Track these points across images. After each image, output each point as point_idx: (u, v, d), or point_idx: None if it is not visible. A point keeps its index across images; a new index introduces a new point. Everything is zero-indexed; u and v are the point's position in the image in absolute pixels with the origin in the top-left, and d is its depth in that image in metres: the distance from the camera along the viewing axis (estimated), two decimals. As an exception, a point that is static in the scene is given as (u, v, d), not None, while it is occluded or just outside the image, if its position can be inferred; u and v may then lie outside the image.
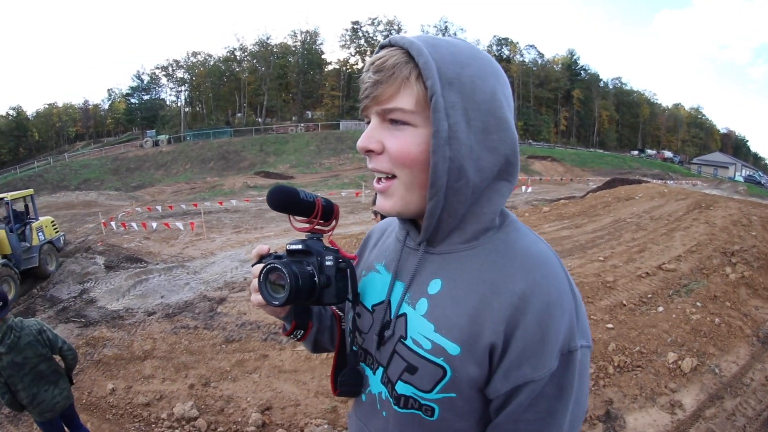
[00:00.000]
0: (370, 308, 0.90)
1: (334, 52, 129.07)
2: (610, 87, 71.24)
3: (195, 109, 59.07)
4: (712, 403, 4.10)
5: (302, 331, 0.98)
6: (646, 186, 15.45)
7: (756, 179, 47.95)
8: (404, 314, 0.82)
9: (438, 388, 0.76)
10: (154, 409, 4.52)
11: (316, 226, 0.88)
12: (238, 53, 58.20)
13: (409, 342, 0.80)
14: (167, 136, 46.05)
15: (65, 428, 3.48)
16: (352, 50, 61.26)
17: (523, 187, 22.23)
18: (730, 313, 5.51)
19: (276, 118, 56.40)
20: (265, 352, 5.43)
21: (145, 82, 57.00)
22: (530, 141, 54.53)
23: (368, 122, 0.79)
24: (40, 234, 9.96)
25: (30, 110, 62.07)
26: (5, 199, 9.66)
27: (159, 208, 17.95)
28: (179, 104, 58.25)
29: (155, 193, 29.89)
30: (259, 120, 54.68)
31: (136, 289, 8.47)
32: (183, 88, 58.13)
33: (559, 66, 66.75)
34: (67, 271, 10.03)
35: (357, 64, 60.06)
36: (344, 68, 59.77)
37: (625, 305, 5.73)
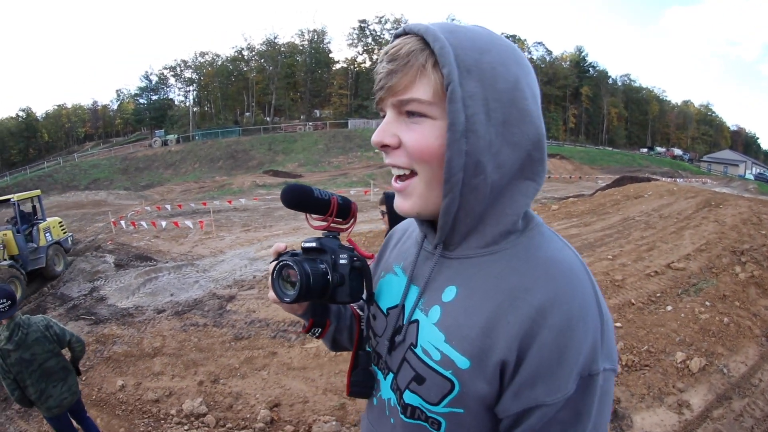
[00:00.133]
0: (384, 311, 0.87)
1: (341, 51, 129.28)
2: (619, 84, 70.63)
3: (203, 109, 59.47)
4: (720, 403, 4.07)
5: (320, 329, 0.96)
6: (655, 184, 15.27)
7: (766, 177, 47.22)
8: (416, 321, 0.78)
9: (445, 402, 0.71)
10: (164, 406, 4.58)
11: (332, 224, 0.87)
12: (245, 53, 58.67)
13: (418, 350, 0.75)
14: (176, 136, 46.45)
15: (73, 423, 3.54)
16: (360, 49, 61.57)
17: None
18: (739, 312, 5.46)
19: (284, 117, 56.60)
20: (273, 350, 5.48)
21: (153, 82, 57.81)
22: (538, 139, 54.22)
23: (383, 116, 0.73)
24: (47, 235, 9.98)
25: (39, 111, 63.34)
26: (12, 200, 9.67)
27: (168, 207, 18.12)
28: (188, 104, 58.80)
29: (164, 192, 30.14)
30: (268, 119, 54.90)
31: (146, 287, 8.58)
32: (191, 87, 58.75)
33: (568, 63, 66.30)
34: (78, 270, 10.14)
35: (364, 62, 60.26)
36: (352, 67, 59.97)
37: (633, 304, 5.70)
